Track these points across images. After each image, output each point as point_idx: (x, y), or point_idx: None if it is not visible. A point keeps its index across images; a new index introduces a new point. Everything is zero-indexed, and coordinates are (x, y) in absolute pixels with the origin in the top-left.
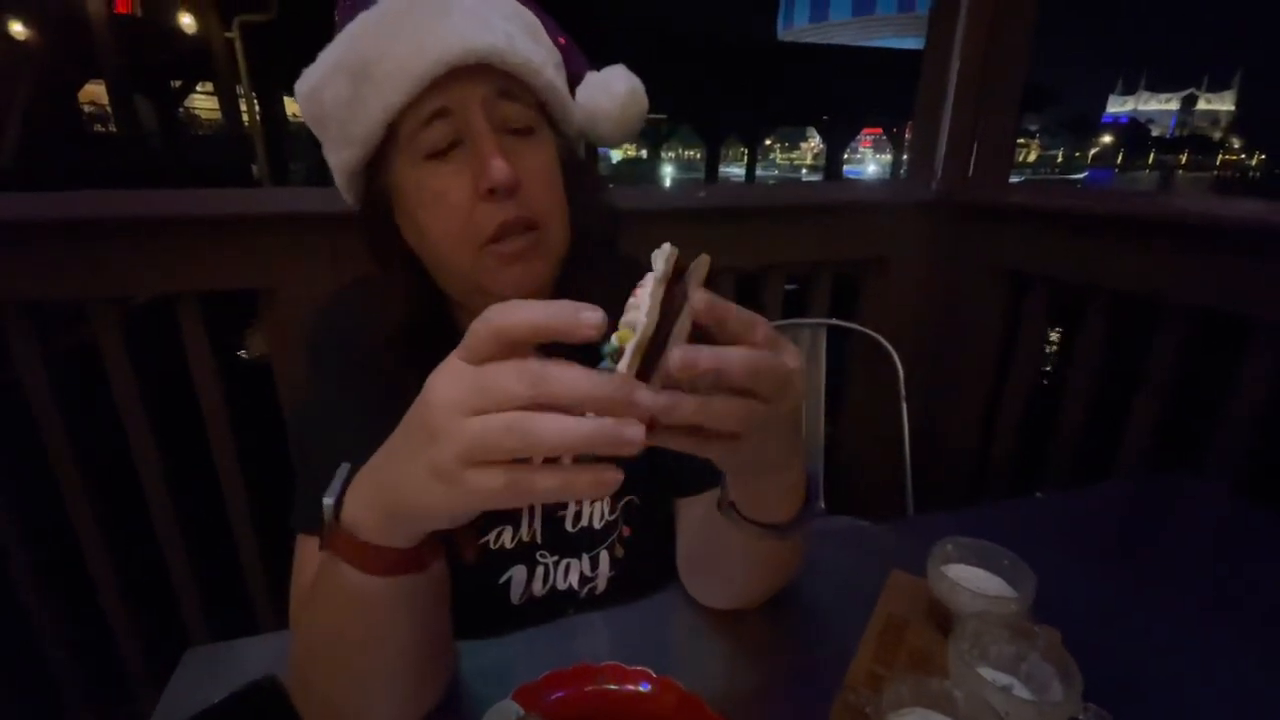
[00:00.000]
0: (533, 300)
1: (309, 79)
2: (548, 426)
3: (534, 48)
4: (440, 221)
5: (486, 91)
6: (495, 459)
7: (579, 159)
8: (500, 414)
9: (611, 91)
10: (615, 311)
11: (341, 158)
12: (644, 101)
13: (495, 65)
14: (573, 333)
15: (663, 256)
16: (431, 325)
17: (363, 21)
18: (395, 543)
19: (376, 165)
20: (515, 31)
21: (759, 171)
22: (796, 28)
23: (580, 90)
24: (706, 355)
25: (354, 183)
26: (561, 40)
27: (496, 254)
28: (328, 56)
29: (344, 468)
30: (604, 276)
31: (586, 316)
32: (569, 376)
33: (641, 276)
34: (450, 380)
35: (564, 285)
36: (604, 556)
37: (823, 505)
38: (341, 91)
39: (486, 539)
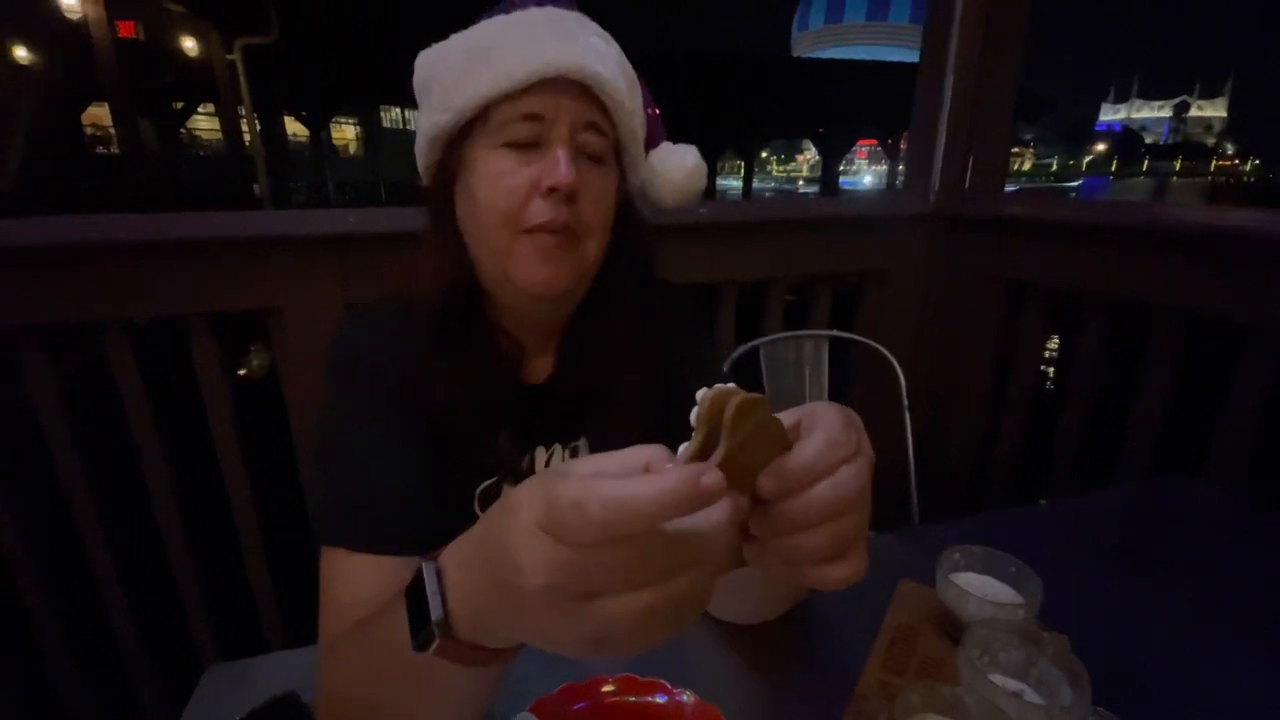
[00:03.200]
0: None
1: (432, 50)
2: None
3: (629, 94)
4: (494, 198)
5: (580, 113)
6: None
7: (631, 201)
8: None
9: (683, 162)
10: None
11: (433, 121)
12: (704, 179)
13: (595, 92)
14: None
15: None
16: (464, 307)
17: (496, 19)
18: (496, 645)
19: (457, 138)
20: (620, 76)
21: (755, 184)
22: (812, 30)
23: (654, 153)
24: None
25: (434, 148)
26: (654, 111)
27: (534, 244)
28: (455, 37)
29: (429, 568)
30: (630, 306)
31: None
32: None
33: (672, 301)
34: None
35: (587, 310)
36: None
37: None
38: (456, 63)
39: None
